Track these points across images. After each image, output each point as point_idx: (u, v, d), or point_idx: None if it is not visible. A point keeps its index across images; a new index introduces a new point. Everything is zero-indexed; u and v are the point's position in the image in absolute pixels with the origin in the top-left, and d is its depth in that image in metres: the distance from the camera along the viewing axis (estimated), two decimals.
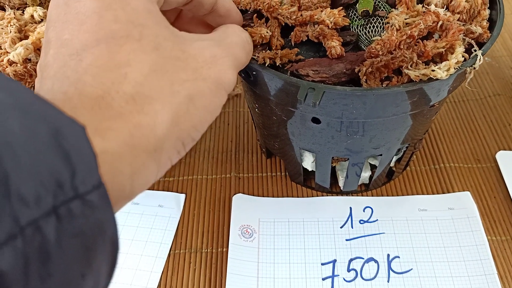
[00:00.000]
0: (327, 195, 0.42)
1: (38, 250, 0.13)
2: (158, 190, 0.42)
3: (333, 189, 0.42)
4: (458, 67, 0.29)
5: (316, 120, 0.33)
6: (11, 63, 0.29)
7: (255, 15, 0.32)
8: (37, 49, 0.30)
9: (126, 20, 0.20)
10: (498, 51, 0.56)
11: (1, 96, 0.14)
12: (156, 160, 0.19)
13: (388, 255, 0.37)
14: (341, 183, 0.41)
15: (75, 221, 0.14)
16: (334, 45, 0.29)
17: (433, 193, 0.42)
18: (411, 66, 0.29)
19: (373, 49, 0.29)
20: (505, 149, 0.45)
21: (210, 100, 0.22)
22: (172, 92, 0.20)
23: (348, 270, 0.36)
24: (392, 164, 0.41)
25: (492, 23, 0.33)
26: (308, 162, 0.40)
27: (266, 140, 0.42)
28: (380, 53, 0.29)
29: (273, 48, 0.32)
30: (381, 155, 0.37)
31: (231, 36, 0.25)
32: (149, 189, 0.42)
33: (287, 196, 0.42)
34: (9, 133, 0.13)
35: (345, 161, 0.39)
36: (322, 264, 0.36)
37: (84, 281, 0.15)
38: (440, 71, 0.29)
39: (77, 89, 0.18)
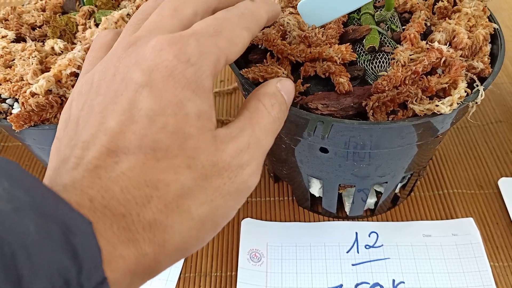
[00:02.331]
0: (334, 220, 0.43)
1: None
2: None
3: (339, 214, 0.43)
4: (461, 101, 0.31)
5: (324, 150, 0.34)
6: (33, 94, 0.31)
7: (268, 53, 0.33)
8: (58, 81, 0.32)
9: (173, 129, 0.20)
10: (499, 78, 0.58)
11: (19, 194, 0.15)
12: (152, 276, 0.20)
13: (394, 281, 0.38)
14: (347, 208, 0.42)
15: None
16: (342, 81, 0.31)
17: (437, 219, 0.43)
18: (415, 101, 0.30)
19: (379, 84, 0.31)
20: (507, 176, 0.46)
21: (225, 215, 0.22)
22: (186, 218, 0.20)
23: None
24: (397, 191, 0.42)
25: (494, 57, 0.35)
26: (315, 189, 0.41)
27: (274, 165, 0.43)
28: (386, 88, 0.30)
29: None
30: (386, 182, 0.38)
31: (261, 121, 0.24)
32: None
33: (295, 221, 0.43)
34: (25, 234, 0.15)
35: (351, 187, 0.40)
36: None
37: None
38: (444, 106, 0.30)
39: (104, 198, 0.19)
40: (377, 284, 0.38)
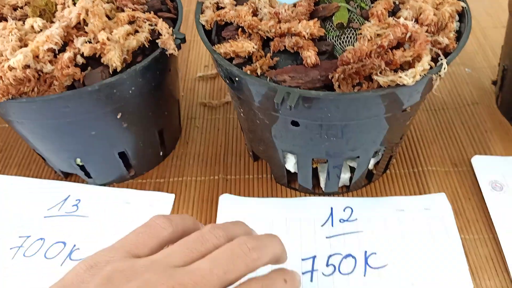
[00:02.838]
0: (310, 196, 0.44)
1: None
2: (149, 190, 0.45)
3: (316, 190, 0.44)
4: (424, 74, 0.32)
5: (295, 123, 0.36)
6: (11, 68, 0.32)
7: (240, 29, 0.34)
8: (36, 56, 0.33)
9: None
10: (479, 63, 0.59)
11: None
12: None
13: (366, 252, 0.39)
14: (322, 184, 0.43)
15: None
16: (310, 54, 0.32)
17: (411, 195, 0.44)
18: (380, 73, 0.32)
19: (345, 57, 0.32)
20: (481, 154, 0.48)
21: None
22: None
23: (327, 265, 0.38)
24: (371, 167, 0.44)
25: (460, 34, 0.36)
26: (290, 164, 0.42)
27: (252, 143, 0.44)
28: (351, 61, 0.32)
29: (254, 60, 0.34)
30: (358, 157, 0.40)
31: None
32: (140, 189, 0.45)
33: (272, 197, 0.44)
34: None
35: (325, 162, 0.41)
36: (302, 259, 0.39)
37: None
38: (407, 78, 0.31)
39: None
40: (350, 255, 0.39)
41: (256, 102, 0.35)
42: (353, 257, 0.39)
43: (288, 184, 0.45)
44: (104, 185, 0.45)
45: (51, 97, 0.32)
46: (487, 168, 0.45)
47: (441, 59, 0.33)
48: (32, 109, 0.34)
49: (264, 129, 0.39)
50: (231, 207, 0.43)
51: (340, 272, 0.38)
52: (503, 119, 0.51)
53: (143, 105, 0.39)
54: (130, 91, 0.36)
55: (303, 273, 0.38)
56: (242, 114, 0.40)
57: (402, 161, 0.47)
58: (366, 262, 0.38)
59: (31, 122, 0.36)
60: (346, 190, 0.45)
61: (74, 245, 0.40)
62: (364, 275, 0.37)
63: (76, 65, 0.34)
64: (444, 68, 0.33)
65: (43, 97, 0.32)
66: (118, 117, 0.37)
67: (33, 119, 0.35)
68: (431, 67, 0.33)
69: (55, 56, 0.34)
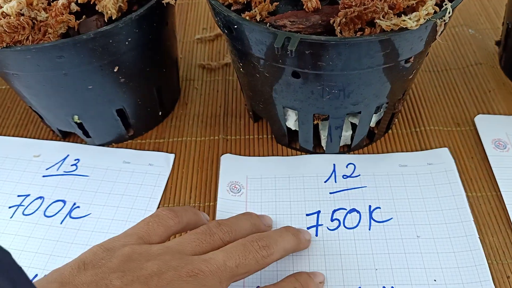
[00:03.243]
0: (312, 154, 0.43)
1: None
2: (148, 150, 0.44)
3: (317, 151, 0.44)
4: (428, 18, 0.31)
5: (296, 75, 0.35)
6: (4, 16, 0.31)
7: None
8: (30, 4, 0.32)
9: None
10: (482, 24, 0.58)
11: (4, 284, 0.17)
12: None
13: (370, 206, 0.39)
14: (323, 142, 0.43)
15: None
16: None
17: (415, 151, 0.43)
18: (382, 16, 0.31)
19: (347, 0, 0.31)
20: (484, 113, 0.47)
21: None
22: None
23: (332, 220, 0.38)
24: (372, 125, 0.43)
25: None
26: (291, 121, 0.41)
27: (252, 102, 0.44)
28: (353, 4, 0.31)
29: (253, 6, 0.33)
30: (360, 112, 0.39)
31: None
32: (140, 149, 0.44)
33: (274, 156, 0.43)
34: None
35: (326, 119, 0.40)
36: (307, 215, 0.38)
37: None
38: (410, 21, 0.30)
39: None
40: (354, 209, 0.38)
41: (255, 52, 0.34)
42: (358, 211, 0.38)
43: (289, 144, 0.44)
44: (103, 145, 0.44)
45: (45, 45, 0.32)
46: (490, 127, 0.45)
47: (446, 4, 0.32)
48: (27, 60, 0.33)
49: (264, 84, 0.38)
50: (233, 167, 0.42)
51: (345, 227, 0.37)
52: (506, 80, 0.50)
53: (140, 59, 0.38)
54: (127, 43, 0.35)
55: (308, 228, 0.37)
56: (241, 69, 0.40)
57: (404, 121, 0.47)
58: (370, 217, 0.38)
59: (26, 74, 0.35)
60: (347, 150, 0.44)
61: (74, 203, 0.39)
62: (369, 229, 0.37)
63: (70, 13, 0.33)
64: (449, 13, 0.32)
65: (37, 45, 0.32)
66: (115, 70, 0.37)
67: (28, 71, 0.34)
68: (435, 12, 0.32)
69: (49, 4, 0.33)
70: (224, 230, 0.30)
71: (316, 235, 0.37)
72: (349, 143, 0.44)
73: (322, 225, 0.38)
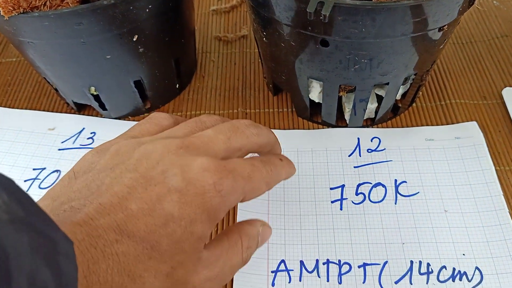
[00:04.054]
0: (335, 127, 0.42)
1: None
2: None
3: (339, 124, 0.43)
4: None
5: (324, 43, 0.33)
6: None
7: None
8: None
9: (176, 239, 0.23)
10: None
11: (16, 208, 0.17)
12: None
13: (396, 180, 0.38)
14: (347, 116, 0.42)
15: None
16: None
17: (440, 125, 0.42)
18: None
19: None
20: (511, 86, 0.46)
21: None
22: None
23: (357, 194, 0.37)
24: (398, 97, 0.42)
25: None
26: (315, 93, 0.40)
27: (273, 74, 0.42)
28: None
29: None
30: (387, 84, 0.38)
31: (234, 258, 0.26)
32: None
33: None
34: (19, 243, 0.16)
35: (352, 91, 0.39)
36: (331, 188, 0.37)
37: None
38: None
39: (89, 269, 0.20)
40: (380, 183, 0.37)
41: (283, 19, 0.33)
42: (383, 185, 0.37)
43: (310, 117, 0.43)
44: (119, 118, 0.43)
45: (64, 11, 0.30)
46: None
47: None
48: (44, 26, 0.31)
49: (289, 53, 0.36)
50: None
51: (370, 201, 0.36)
52: None
53: (159, 28, 0.37)
54: (147, 10, 0.34)
55: (332, 202, 0.36)
56: (264, 39, 0.38)
57: (429, 94, 0.45)
58: (396, 191, 0.37)
59: (43, 42, 0.33)
60: (371, 124, 0.43)
61: None
62: (395, 203, 0.36)
63: None
64: None
65: (56, 11, 0.30)
66: (134, 39, 0.35)
67: (45, 38, 0.33)
68: None
69: None
70: (214, 118, 0.29)
71: (341, 209, 0.36)
72: (373, 116, 0.42)
73: (346, 199, 0.37)
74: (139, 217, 0.22)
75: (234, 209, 0.37)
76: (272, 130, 0.42)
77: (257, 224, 0.29)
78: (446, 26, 0.34)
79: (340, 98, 0.41)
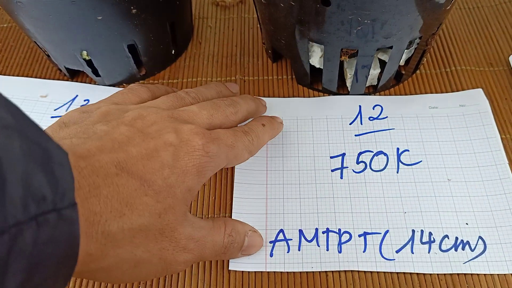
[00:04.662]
0: (336, 95, 0.41)
1: (18, 247, 0.15)
2: None
3: (340, 92, 0.41)
4: None
5: (326, 2, 0.32)
6: None
7: None
8: None
9: (170, 183, 0.24)
10: None
11: (5, 116, 0.17)
12: (80, 277, 0.24)
13: (398, 149, 0.36)
14: (348, 82, 0.40)
15: (50, 229, 0.17)
16: None
17: (444, 92, 0.41)
18: None
19: None
20: None
21: (147, 273, 0.25)
22: (131, 251, 0.23)
23: (357, 163, 0.36)
24: (402, 63, 0.40)
25: None
26: (316, 58, 0.39)
27: (272, 38, 0.40)
28: None
29: None
30: (391, 47, 0.36)
31: (215, 239, 0.28)
32: None
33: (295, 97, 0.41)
34: (11, 149, 0.16)
35: (354, 57, 0.38)
36: (331, 157, 0.36)
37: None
38: None
39: (90, 192, 0.21)
40: (381, 152, 0.36)
41: None
42: (385, 154, 0.36)
43: (311, 85, 0.42)
44: (114, 85, 0.42)
45: None
46: None
47: None
48: None
49: (289, 15, 0.35)
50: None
51: (371, 169, 0.35)
52: None
53: None
54: None
55: (332, 170, 0.35)
56: (263, 0, 0.36)
57: (433, 61, 0.44)
58: (398, 159, 0.36)
59: (31, 1, 0.32)
60: (373, 91, 0.41)
61: None
62: (397, 172, 0.35)
63: None
64: None
65: None
66: (133, 12, 0.33)
67: None
68: None
69: None
70: (192, 95, 0.32)
71: (341, 178, 0.35)
72: (375, 83, 0.41)
73: (347, 167, 0.36)
74: (138, 158, 0.24)
75: (232, 180, 0.36)
76: (271, 98, 0.41)
77: (247, 226, 0.31)
78: None
79: (341, 64, 0.39)
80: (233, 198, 0.34)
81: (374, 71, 0.39)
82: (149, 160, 0.24)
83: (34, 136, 0.17)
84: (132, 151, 0.24)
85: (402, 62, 0.40)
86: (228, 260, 0.31)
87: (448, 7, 0.36)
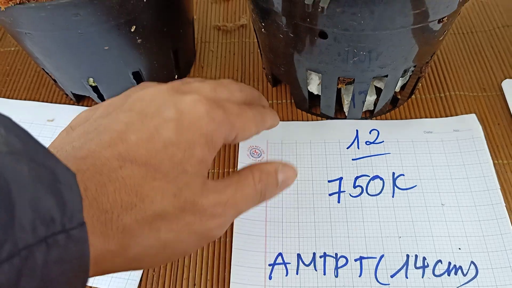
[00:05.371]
0: (333, 119, 0.42)
1: (29, 269, 0.16)
2: None
3: (338, 116, 0.42)
4: None
5: (323, 35, 0.33)
6: None
7: None
8: None
9: (177, 161, 0.23)
10: None
11: (14, 141, 0.17)
12: (103, 274, 0.23)
13: (393, 173, 0.38)
14: (346, 108, 0.41)
15: (59, 249, 0.17)
16: None
17: (439, 117, 0.42)
18: None
19: None
20: (511, 78, 0.45)
21: (180, 250, 0.24)
22: (153, 237, 0.22)
23: (354, 187, 0.37)
24: (397, 90, 0.41)
25: None
26: (314, 85, 0.40)
27: (272, 65, 0.42)
28: None
29: None
30: (387, 76, 0.37)
31: (245, 189, 0.26)
32: None
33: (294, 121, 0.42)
34: (19, 173, 0.17)
35: (350, 83, 0.39)
36: (329, 181, 0.37)
37: None
38: None
39: (97, 191, 0.21)
40: (377, 176, 0.38)
41: (281, 10, 0.32)
42: (381, 178, 0.37)
43: (309, 109, 0.43)
44: None
45: (61, 1, 0.30)
46: None
47: None
48: (42, 17, 0.31)
49: (288, 45, 0.36)
50: None
51: (368, 193, 0.37)
52: None
53: (157, 18, 0.37)
54: (145, 0, 0.34)
55: (330, 194, 0.37)
56: (263, 30, 0.38)
57: (428, 86, 0.45)
58: (394, 184, 0.37)
59: (40, 33, 0.33)
60: (369, 116, 0.43)
61: None
62: (393, 196, 0.36)
63: None
64: None
65: (52, 1, 0.30)
66: (132, 30, 0.35)
67: (42, 29, 0.33)
68: None
69: None
70: (197, 79, 0.30)
71: (338, 202, 0.36)
72: (372, 108, 0.42)
73: (344, 191, 0.37)
74: (139, 144, 0.23)
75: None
76: None
77: (275, 163, 0.29)
78: (446, 18, 0.33)
79: (339, 90, 0.40)
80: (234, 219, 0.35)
81: (371, 98, 0.41)
82: (151, 142, 0.23)
83: (42, 159, 0.18)
84: (131, 138, 0.23)
85: (397, 88, 0.41)
86: (230, 282, 0.32)
87: (441, 38, 0.37)
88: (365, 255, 0.33)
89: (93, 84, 0.40)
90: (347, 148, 0.39)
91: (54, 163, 0.18)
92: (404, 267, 0.33)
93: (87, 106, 0.44)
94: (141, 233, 0.22)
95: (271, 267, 0.33)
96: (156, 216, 0.22)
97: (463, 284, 0.32)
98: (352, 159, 0.39)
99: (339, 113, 0.43)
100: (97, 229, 0.20)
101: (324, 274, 0.33)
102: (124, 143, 0.23)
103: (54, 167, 0.18)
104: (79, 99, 0.44)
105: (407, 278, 0.32)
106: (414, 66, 0.38)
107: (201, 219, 0.24)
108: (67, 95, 0.44)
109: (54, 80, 0.42)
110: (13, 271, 0.15)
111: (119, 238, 0.21)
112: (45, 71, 0.41)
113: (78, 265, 0.18)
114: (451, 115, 0.42)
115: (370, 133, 0.40)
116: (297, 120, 0.42)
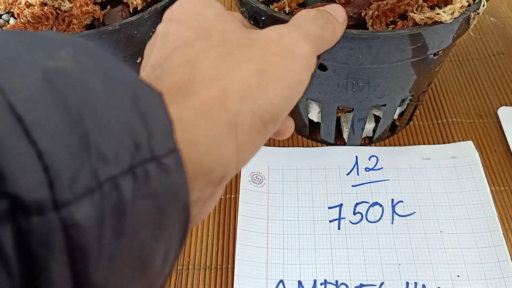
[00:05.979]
0: (333, 146, 0.43)
1: (114, 207, 0.13)
2: None
3: (338, 143, 0.43)
4: (463, 11, 0.30)
5: (323, 67, 0.34)
6: (28, 5, 0.30)
7: None
8: None
9: (197, 27, 0.22)
10: (504, 12, 0.57)
11: (84, 60, 0.15)
12: (232, 136, 0.19)
13: (392, 200, 0.38)
14: (345, 135, 0.42)
15: (151, 182, 0.14)
16: None
17: (436, 143, 0.43)
18: (416, 10, 0.30)
19: None
20: (507, 105, 0.46)
21: (283, 72, 0.21)
22: (239, 67, 0.20)
23: (354, 213, 0.38)
24: (395, 117, 0.42)
25: None
26: (314, 113, 0.41)
27: None
28: None
29: None
30: (385, 105, 0.38)
31: (298, 17, 0.24)
32: None
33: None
34: (92, 93, 0.14)
35: (350, 112, 0.40)
36: (329, 207, 0.38)
37: (157, 244, 0.15)
38: (445, 14, 0.30)
39: (156, 82, 0.20)
40: (376, 203, 0.38)
41: None
42: (380, 205, 0.38)
43: (310, 135, 0.44)
44: None
45: None
46: None
47: None
48: None
49: None
50: (254, 157, 0.41)
51: (367, 220, 0.37)
52: None
53: None
54: (151, 33, 0.35)
55: (330, 221, 0.37)
56: None
57: (426, 112, 0.46)
58: (393, 210, 0.38)
59: None
60: (369, 142, 0.43)
61: None
62: (392, 223, 0.37)
63: (95, 3, 0.32)
64: (483, 5, 0.31)
65: None
66: (138, 61, 0.36)
67: None
68: (469, 4, 0.31)
69: None
70: None
71: (339, 229, 0.37)
72: (371, 135, 0.43)
73: (344, 218, 0.38)
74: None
75: (235, 227, 0.37)
76: (271, 147, 0.43)
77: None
78: (441, 51, 0.34)
79: (338, 118, 0.41)
80: (236, 244, 0.36)
81: (369, 125, 0.42)
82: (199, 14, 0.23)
83: (118, 76, 0.15)
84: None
85: (396, 116, 0.42)
86: None
87: (437, 69, 0.38)
88: (365, 283, 0.34)
89: None
90: (347, 174, 0.40)
91: (134, 81, 0.15)
92: None
93: None
94: (226, 72, 0.20)
95: None
96: (219, 58, 0.21)
97: None
98: (352, 186, 0.39)
99: (338, 139, 0.44)
100: (182, 95, 0.18)
101: None
102: (155, 48, 0.22)
103: (134, 85, 0.15)
104: None
105: None
106: (412, 95, 0.39)
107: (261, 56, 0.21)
108: None
109: None
110: (94, 209, 0.12)
111: (207, 87, 0.19)
112: None
113: (174, 202, 0.15)
114: (449, 142, 0.43)
115: (369, 159, 0.41)
116: (298, 146, 0.43)
